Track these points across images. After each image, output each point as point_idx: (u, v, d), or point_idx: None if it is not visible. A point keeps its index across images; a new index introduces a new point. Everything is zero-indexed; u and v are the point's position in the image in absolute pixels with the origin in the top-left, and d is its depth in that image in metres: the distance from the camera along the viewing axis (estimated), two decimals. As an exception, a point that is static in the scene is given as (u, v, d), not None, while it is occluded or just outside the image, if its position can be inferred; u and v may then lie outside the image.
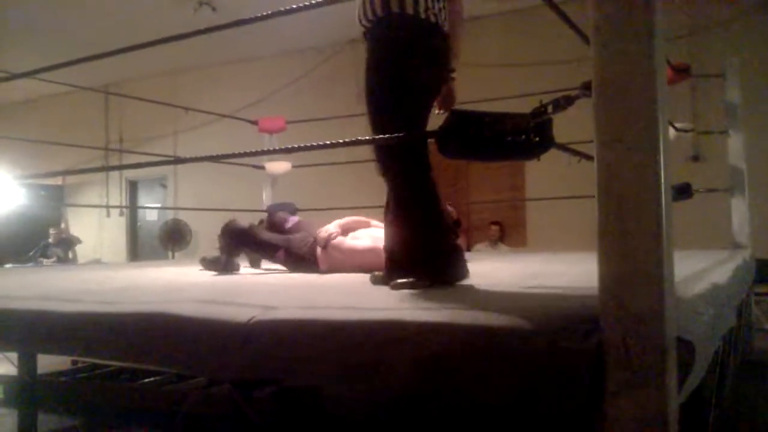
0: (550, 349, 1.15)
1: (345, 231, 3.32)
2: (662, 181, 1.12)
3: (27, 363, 2.35)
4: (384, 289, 2.17)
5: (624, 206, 1.12)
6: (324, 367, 1.41)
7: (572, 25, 2.29)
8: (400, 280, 2.18)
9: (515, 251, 7.34)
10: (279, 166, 5.39)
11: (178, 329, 1.61)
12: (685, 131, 4.40)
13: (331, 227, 3.31)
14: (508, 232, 7.98)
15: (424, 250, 2.24)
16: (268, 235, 3.52)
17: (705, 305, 1.52)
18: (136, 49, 2.44)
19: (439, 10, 2.34)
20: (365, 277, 2.46)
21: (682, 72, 4.07)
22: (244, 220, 3.72)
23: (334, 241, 3.22)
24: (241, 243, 3.49)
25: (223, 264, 3.47)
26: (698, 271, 2.29)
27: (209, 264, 3.60)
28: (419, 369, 1.28)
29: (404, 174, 2.27)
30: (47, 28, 8.39)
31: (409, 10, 2.27)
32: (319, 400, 1.69)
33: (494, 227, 7.76)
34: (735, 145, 4.53)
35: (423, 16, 2.28)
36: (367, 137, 2.37)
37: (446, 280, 2.18)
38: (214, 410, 1.90)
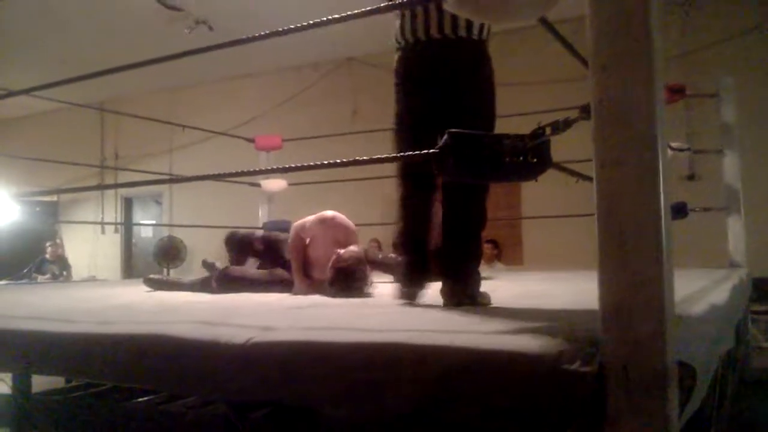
0: (552, 372, 1.14)
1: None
2: (662, 202, 1.11)
3: (21, 382, 2.33)
4: (385, 311, 2.16)
5: (624, 229, 1.11)
6: (322, 388, 1.40)
7: (570, 48, 2.29)
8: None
9: (511, 270, 7.31)
10: (275, 184, 5.39)
11: (174, 351, 1.60)
12: (681, 150, 4.41)
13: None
14: (505, 251, 7.95)
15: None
16: (258, 274, 3.49)
17: (705, 327, 1.51)
18: (132, 68, 2.44)
19: (438, 22, 2.27)
20: (366, 299, 2.45)
21: (677, 92, 4.09)
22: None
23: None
24: (237, 286, 3.44)
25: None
26: (696, 291, 2.28)
27: (170, 285, 3.62)
28: (419, 391, 1.27)
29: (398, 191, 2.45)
30: (44, 46, 8.40)
31: (399, 38, 2.39)
32: (315, 421, 1.68)
33: (489, 246, 7.74)
34: (730, 164, 4.54)
35: (410, 39, 2.34)
36: (365, 158, 2.37)
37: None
38: (209, 430, 1.88)
